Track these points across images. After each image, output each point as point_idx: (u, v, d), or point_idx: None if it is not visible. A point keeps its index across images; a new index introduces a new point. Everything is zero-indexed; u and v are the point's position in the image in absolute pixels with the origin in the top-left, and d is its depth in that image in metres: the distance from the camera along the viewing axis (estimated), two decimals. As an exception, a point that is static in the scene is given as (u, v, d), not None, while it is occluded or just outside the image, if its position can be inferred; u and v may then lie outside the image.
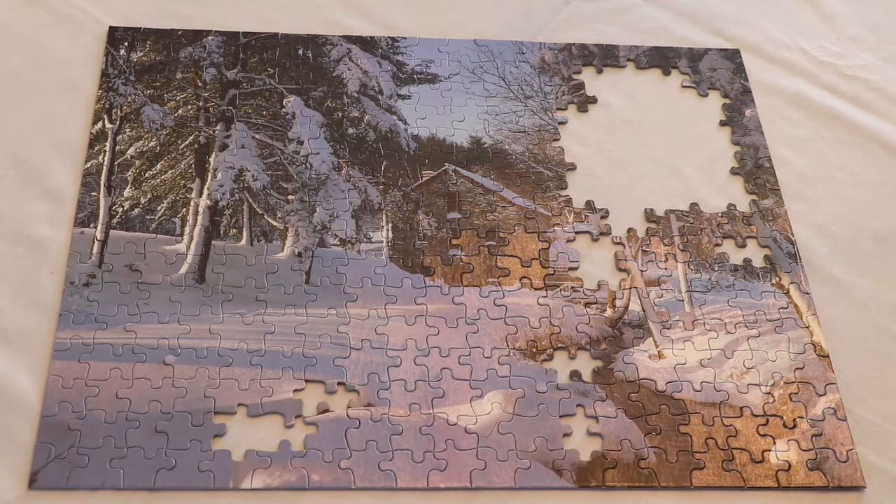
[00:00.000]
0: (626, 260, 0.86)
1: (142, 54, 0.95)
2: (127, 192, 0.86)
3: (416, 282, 0.83)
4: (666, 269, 0.86)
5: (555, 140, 0.95)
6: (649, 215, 0.89)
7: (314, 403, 0.75)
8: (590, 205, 0.90)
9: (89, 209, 0.84)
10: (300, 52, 0.97)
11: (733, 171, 0.93)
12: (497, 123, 0.95)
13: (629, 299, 0.84)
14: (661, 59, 1.01)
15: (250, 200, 0.87)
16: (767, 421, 0.77)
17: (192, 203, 0.86)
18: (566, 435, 0.75)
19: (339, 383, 0.76)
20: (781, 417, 0.77)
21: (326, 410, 0.74)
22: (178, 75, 0.94)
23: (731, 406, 0.78)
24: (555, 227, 0.88)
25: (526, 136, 0.95)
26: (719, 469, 0.74)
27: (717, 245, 0.88)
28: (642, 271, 0.86)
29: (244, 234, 0.85)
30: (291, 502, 0.70)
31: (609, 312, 0.83)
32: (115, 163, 0.87)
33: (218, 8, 0.99)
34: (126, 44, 0.95)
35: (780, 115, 0.97)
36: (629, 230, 0.88)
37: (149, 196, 0.87)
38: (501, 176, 0.92)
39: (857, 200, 0.92)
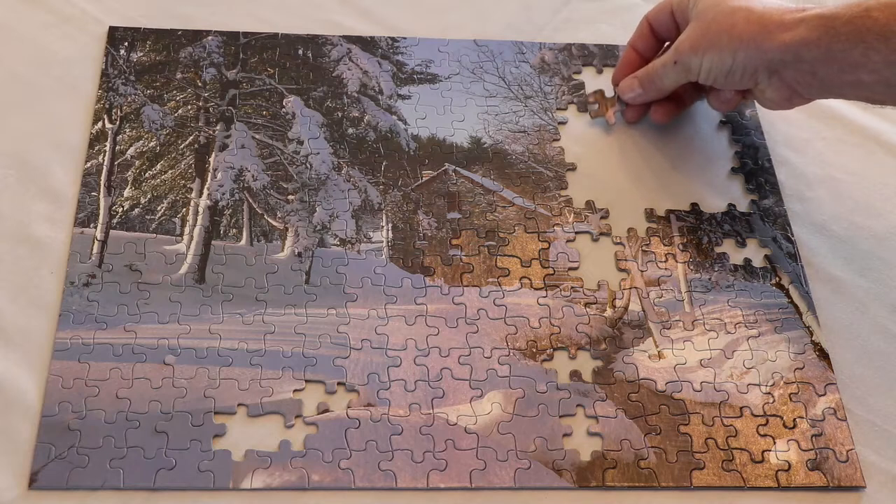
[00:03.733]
0: (626, 260, 0.86)
1: (142, 54, 0.95)
2: (127, 192, 0.86)
3: (416, 282, 0.83)
4: (666, 269, 0.86)
5: (555, 140, 0.95)
6: (649, 215, 0.89)
7: (314, 403, 0.75)
8: (590, 205, 0.90)
9: (89, 209, 0.84)
10: (300, 52, 0.98)
11: (733, 171, 0.93)
12: (497, 123, 0.95)
13: (629, 299, 0.84)
14: (661, 59, 1.01)
15: (250, 200, 0.87)
16: (767, 421, 0.77)
17: (192, 203, 0.86)
18: (566, 435, 0.75)
19: (339, 383, 0.76)
20: (781, 417, 0.77)
21: (326, 410, 0.74)
22: (178, 75, 0.94)
23: (731, 406, 0.78)
24: (555, 227, 0.88)
25: (526, 136, 0.95)
26: (719, 469, 0.74)
27: (717, 245, 0.88)
28: (642, 271, 0.86)
29: (244, 234, 0.85)
30: (291, 502, 0.70)
31: (609, 312, 0.83)
32: (115, 163, 0.88)
33: (218, 8, 0.99)
34: (126, 44, 0.95)
35: (780, 115, 0.97)
36: (629, 230, 0.88)
37: (149, 196, 0.87)
38: (501, 176, 0.92)
39: (857, 200, 0.92)
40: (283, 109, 0.93)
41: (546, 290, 0.84)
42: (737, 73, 0.81)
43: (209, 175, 0.88)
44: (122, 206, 0.85)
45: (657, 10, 0.89)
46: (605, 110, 0.95)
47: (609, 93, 0.96)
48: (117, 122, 0.90)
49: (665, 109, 0.93)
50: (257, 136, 0.91)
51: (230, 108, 0.93)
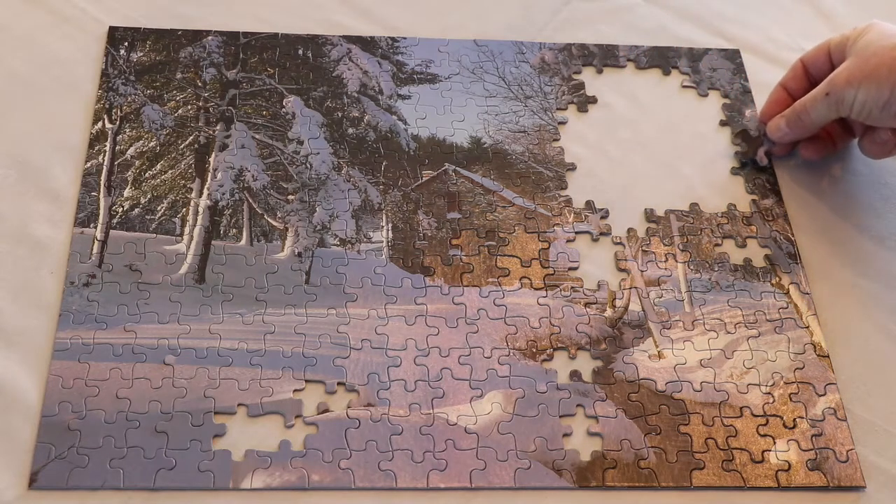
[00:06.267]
0: (626, 260, 0.86)
1: (142, 54, 0.95)
2: (127, 192, 0.86)
3: (416, 282, 0.83)
4: (666, 269, 0.86)
5: (555, 140, 0.95)
6: (649, 215, 0.89)
7: (314, 403, 0.75)
8: (590, 205, 0.90)
9: (89, 209, 0.84)
10: (300, 52, 0.97)
11: (733, 171, 0.93)
12: (497, 123, 0.95)
13: (629, 299, 0.84)
14: (661, 59, 1.01)
15: (250, 200, 0.87)
16: (767, 421, 0.77)
17: (192, 203, 0.86)
18: (566, 435, 0.75)
19: (339, 383, 0.76)
20: (781, 417, 0.77)
21: (326, 410, 0.74)
22: (178, 75, 0.94)
23: (731, 406, 0.78)
24: (555, 227, 0.88)
25: (526, 136, 0.95)
26: (719, 469, 0.74)
27: (717, 245, 0.88)
28: (642, 271, 0.86)
29: (244, 234, 0.85)
30: (291, 502, 0.70)
31: (609, 312, 0.83)
32: (115, 163, 0.88)
33: (218, 8, 0.99)
34: (126, 44, 0.95)
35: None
36: (629, 230, 0.88)
37: (149, 196, 0.87)
38: (501, 176, 0.92)
39: (857, 200, 0.92)
40: (283, 109, 0.93)
41: (546, 290, 0.84)
42: (893, 107, 0.80)
43: (209, 175, 0.88)
44: (122, 206, 0.85)
45: (813, 51, 0.89)
46: (753, 151, 0.94)
47: (753, 132, 0.95)
48: (117, 122, 0.90)
49: (815, 147, 0.92)
50: (257, 136, 0.91)
51: (230, 108, 0.93)
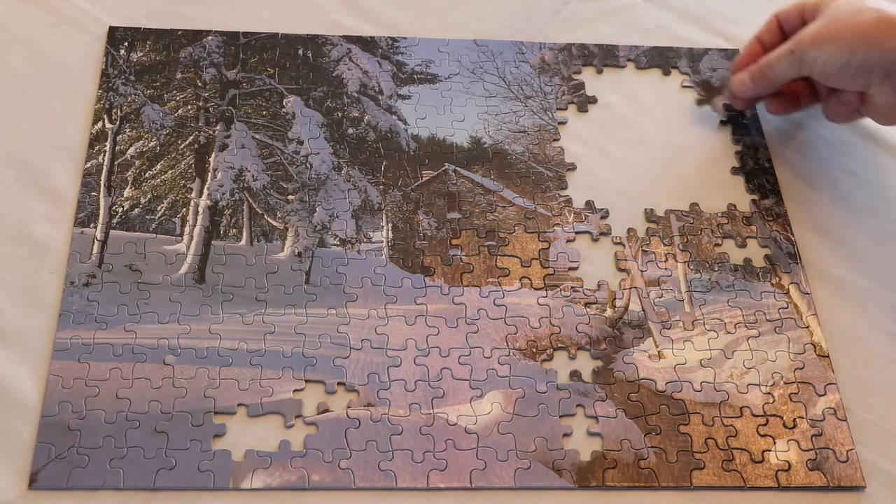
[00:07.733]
0: (626, 260, 0.86)
1: (142, 54, 0.95)
2: (127, 192, 0.86)
3: (416, 282, 0.83)
4: (666, 269, 0.86)
5: (555, 140, 0.95)
6: (649, 215, 0.89)
7: (314, 403, 0.75)
8: (590, 205, 0.90)
9: (89, 209, 0.84)
10: (300, 52, 0.98)
11: (733, 171, 0.93)
12: (497, 123, 0.95)
13: (629, 299, 0.84)
14: (661, 59, 1.01)
15: (250, 200, 0.87)
16: (767, 421, 0.77)
17: (192, 203, 0.86)
18: (566, 435, 0.75)
19: (339, 383, 0.76)
20: (781, 417, 0.77)
21: (326, 410, 0.74)
22: (178, 75, 0.94)
23: (731, 406, 0.78)
24: (555, 227, 0.88)
25: (526, 136, 0.95)
26: (719, 469, 0.74)
27: (717, 245, 0.88)
28: (642, 271, 0.86)
29: (244, 234, 0.85)
30: (291, 502, 0.70)
31: (609, 312, 0.83)
32: (115, 163, 0.88)
33: (218, 8, 0.99)
34: (126, 44, 0.95)
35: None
36: (629, 230, 0.88)
37: (149, 196, 0.87)
38: (501, 176, 0.92)
39: (857, 200, 0.92)
40: (283, 109, 0.93)
41: (546, 290, 0.84)
42: (851, 69, 0.81)
43: (209, 175, 0.88)
44: (122, 206, 0.85)
45: (788, 9, 0.90)
46: (709, 99, 0.95)
47: (715, 82, 0.96)
48: (117, 122, 0.90)
49: (780, 102, 0.93)
50: (257, 136, 0.91)
51: (230, 108, 0.93)
